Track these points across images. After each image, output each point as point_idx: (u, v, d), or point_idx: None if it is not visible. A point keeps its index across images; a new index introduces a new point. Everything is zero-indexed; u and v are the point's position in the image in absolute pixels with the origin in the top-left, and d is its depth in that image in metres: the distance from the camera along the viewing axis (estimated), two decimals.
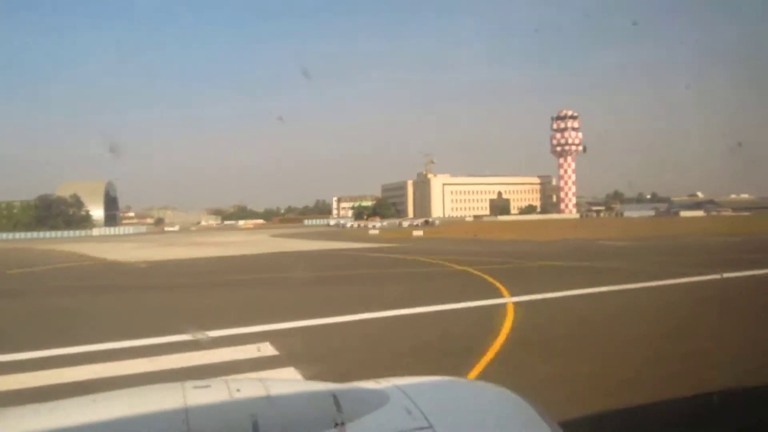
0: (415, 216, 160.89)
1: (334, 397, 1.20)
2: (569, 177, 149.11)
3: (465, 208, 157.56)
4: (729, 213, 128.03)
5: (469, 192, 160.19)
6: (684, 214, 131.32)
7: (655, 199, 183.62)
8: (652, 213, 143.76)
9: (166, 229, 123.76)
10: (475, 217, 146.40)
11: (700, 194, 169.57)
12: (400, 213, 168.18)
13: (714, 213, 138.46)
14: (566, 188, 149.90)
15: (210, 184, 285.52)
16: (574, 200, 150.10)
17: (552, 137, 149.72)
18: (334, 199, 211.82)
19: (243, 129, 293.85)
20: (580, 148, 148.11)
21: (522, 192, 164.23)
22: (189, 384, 1.22)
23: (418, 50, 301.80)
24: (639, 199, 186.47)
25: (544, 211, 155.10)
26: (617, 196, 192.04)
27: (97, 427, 1.05)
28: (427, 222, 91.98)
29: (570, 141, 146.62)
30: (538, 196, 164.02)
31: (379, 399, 1.23)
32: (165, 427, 1.06)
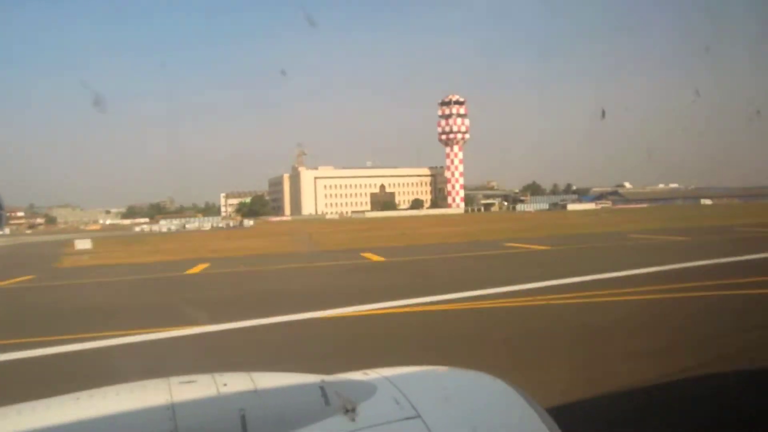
0: (292, 213, 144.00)
1: (322, 389, 1.19)
2: (456, 168, 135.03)
3: (343, 204, 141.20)
4: (608, 205, 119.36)
5: (347, 186, 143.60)
6: (571, 207, 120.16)
7: (569, 190, 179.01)
8: (546, 206, 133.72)
9: None
10: (354, 212, 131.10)
11: (627, 184, 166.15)
12: (280, 209, 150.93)
13: (605, 205, 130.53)
14: (453, 180, 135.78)
15: (138, 179, 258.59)
16: (462, 193, 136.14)
17: (438, 124, 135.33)
18: (222, 195, 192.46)
19: (173, 122, 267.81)
20: (467, 135, 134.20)
21: (411, 185, 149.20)
22: (174, 380, 1.19)
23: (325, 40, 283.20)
24: (554, 191, 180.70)
25: (434, 204, 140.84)
26: (532, 188, 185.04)
27: (82, 425, 1.03)
28: (242, 223, 74.74)
29: (456, 128, 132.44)
30: (428, 188, 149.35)
31: (367, 390, 1.22)
32: (152, 424, 1.04)
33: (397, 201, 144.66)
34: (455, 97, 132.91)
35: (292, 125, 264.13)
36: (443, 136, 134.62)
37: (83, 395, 1.15)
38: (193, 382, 1.19)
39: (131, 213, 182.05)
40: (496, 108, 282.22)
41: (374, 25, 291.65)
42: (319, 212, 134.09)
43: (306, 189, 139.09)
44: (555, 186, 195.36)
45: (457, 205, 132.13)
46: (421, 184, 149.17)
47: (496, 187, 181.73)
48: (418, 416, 1.12)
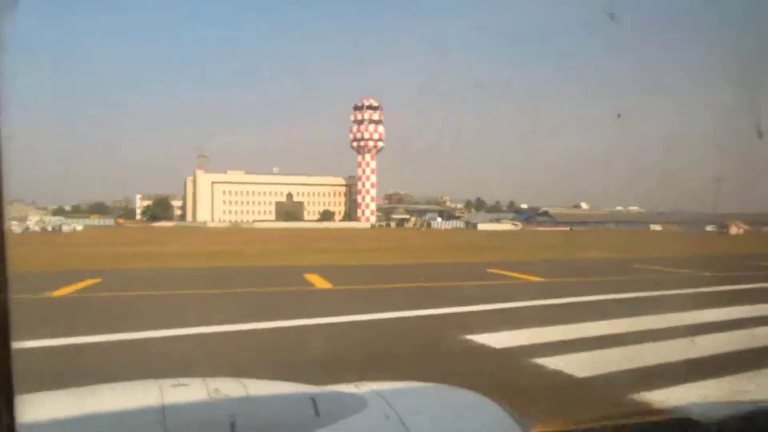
0: (193, 219, 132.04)
1: (313, 400, 1.18)
2: (368, 178, 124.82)
3: (247, 212, 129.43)
4: (514, 227, 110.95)
5: (250, 193, 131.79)
6: (483, 227, 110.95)
7: (512, 208, 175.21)
8: (461, 225, 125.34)
9: None
10: (255, 221, 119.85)
11: (584, 205, 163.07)
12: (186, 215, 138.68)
13: (513, 227, 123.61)
14: (364, 191, 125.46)
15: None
16: (372, 206, 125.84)
17: (350, 130, 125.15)
18: (138, 196, 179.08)
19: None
20: (381, 144, 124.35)
21: (324, 195, 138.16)
22: (166, 382, 1.17)
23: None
24: (495, 208, 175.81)
25: (348, 217, 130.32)
26: (476, 204, 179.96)
27: (73, 422, 1.02)
28: (60, 228, 62.43)
29: (368, 135, 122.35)
30: (343, 199, 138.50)
31: (358, 403, 1.21)
32: (142, 425, 1.03)
33: (307, 211, 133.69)
34: (369, 102, 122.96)
35: (222, 125, 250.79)
36: (355, 143, 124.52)
37: (73, 393, 1.14)
38: (185, 385, 1.17)
39: (75, 211, 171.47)
40: (454, 122, 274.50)
41: (309, 21, 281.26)
42: (217, 220, 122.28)
43: (202, 194, 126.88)
44: (497, 203, 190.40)
45: (366, 219, 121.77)
46: (335, 194, 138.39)
47: (449, 202, 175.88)
48: None
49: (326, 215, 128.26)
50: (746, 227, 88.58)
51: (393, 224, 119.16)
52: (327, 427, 1.10)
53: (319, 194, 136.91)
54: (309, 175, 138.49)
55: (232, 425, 1.05)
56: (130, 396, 1.13)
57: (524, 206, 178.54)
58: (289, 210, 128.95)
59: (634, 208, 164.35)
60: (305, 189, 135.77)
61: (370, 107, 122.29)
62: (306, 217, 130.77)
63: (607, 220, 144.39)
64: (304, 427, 1.09)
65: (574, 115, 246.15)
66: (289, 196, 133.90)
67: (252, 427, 1.07)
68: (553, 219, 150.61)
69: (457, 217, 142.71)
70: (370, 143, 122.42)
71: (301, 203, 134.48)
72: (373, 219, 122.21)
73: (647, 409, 4.27)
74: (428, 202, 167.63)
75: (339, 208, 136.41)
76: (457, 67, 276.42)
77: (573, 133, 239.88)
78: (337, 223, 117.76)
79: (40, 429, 0.99)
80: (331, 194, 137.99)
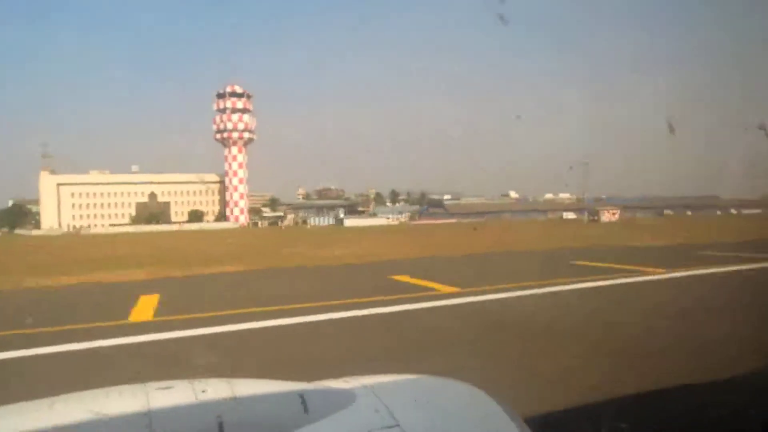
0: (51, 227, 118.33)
1: (301, 396, 1.17)
2: (235, 173, 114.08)
3: (104, 215, 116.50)
4: (388, 221, 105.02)
5: (105, 194, 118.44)
6: (352, 223, 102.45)
7: (423, 200, 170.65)
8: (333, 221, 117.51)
9: None
10: (111, 225, 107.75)
11: (513, 193, 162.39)
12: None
13: (394, 218, 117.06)
14: (231, 188, 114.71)
15: None
16: (242, 203, 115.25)
17: (213, 120, 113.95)
18: (10, 201, 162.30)
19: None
20: (248, 135, 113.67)
21: (196, 194, 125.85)
22: (152, 385, 1.15)
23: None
24: (407, 200, 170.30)
25: (221, 217, 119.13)
26: (391, 196, 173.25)
27: None
28: None
29: (231, 126, 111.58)
30: (217, 198, 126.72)
31: (347, 398, 1.20)
32: (128, 430, 1.02)
33: (174, 212, 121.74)
34: (233, 89, 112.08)
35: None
36: (218, 135, 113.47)
37: (58, 400, 1.11)
38: (170, 388, 1.16)
39: None
40: (384, 116, 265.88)
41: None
42: (65, 225, 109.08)
43: (47, 198, 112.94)
44: (408, 194, 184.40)
45: (236, 218, 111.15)
46: (208, 192, 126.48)
47: (372, 196, 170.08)
48: (397, 425, 1.10)
49: (194, 216, 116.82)
50: (616, 212, 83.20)
51: (266, 223, 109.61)
52: (316, 423, 1.08)
53: (188, 193, 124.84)
54: (181, 172, 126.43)
55: (220, 426, 1.03)
56: (115, 401, 1.10)
57: (447, 197, 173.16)
58: (153, 212, 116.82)
59: (564, 195, 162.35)
60: (172, 188, 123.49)
61: (233, 94, 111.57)
62: (174, 218, 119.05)
63: (514, 210, 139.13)
64: (293, 424, 1.07)
65: (509, 105, 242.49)
66: (152, 196, 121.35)
67: (240, 426, 1.05)
68: (446, 211, 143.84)
69: (361, 212, 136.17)
70: (235, 134, 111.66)
71: (167, 204, 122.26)
72: (242, 218, 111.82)
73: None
74: (357, 197, 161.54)
75: (213, 208, 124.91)
76: (383, 61, 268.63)
77: (506, 124, 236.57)
78: (207, 224, 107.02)
79: None
80: (203, 193, 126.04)
